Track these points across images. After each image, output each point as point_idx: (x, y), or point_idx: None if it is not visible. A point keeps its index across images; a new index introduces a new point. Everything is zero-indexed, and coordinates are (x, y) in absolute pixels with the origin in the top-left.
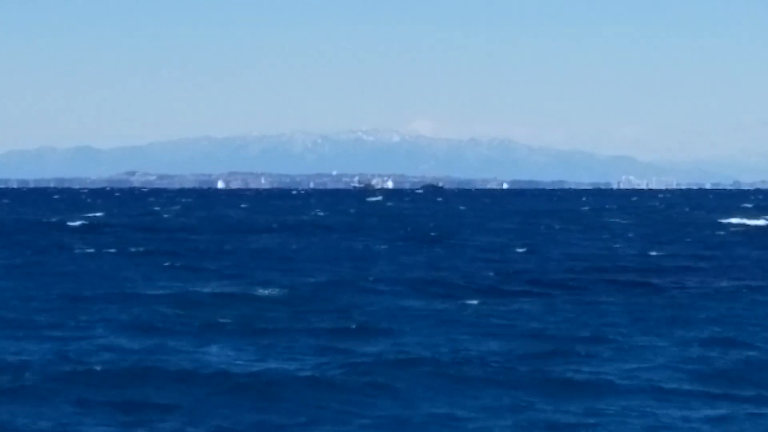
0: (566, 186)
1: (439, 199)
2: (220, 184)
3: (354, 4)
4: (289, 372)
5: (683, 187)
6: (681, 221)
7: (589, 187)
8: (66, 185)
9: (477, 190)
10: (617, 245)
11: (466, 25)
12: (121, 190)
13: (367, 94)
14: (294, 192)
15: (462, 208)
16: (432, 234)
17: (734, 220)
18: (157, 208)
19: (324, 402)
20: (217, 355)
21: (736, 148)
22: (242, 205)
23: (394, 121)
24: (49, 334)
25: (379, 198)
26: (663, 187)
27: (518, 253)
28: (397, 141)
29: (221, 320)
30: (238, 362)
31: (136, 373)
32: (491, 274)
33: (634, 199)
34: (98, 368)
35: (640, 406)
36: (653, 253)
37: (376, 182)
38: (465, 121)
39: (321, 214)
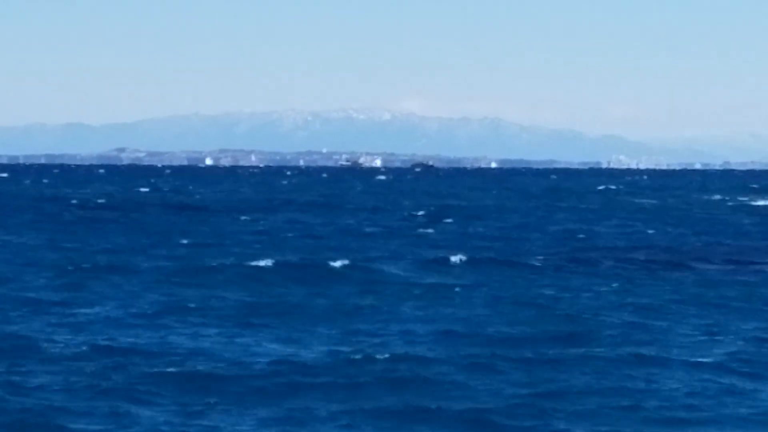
0: (557, 165)
1: (423, 180)
2: (209, 161)
3: None
4: (316, 357)
5: (674, 167)
6: (698, 201)
7: (580, 167)
8: (56, 161)
9: (473, 168)
10: (644, 226)
11: (458, 2)
12: (117, 166)
13: (358, 72)
14: (288, 172)
15: (465, 185)
16: (442, 212)
17: (756, 202)
18: (157, 185)
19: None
20: (222, 335)
21: (726, 129)
22: (245, 184)
23: (385, 99)
24: (61, 311)
25: (383, 177)
26: (653, 166)
27: (541, 232)
28: (388, 119)
29: (238, 299)
30: (254, 343)
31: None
32: (516, 250)
33: (636, 178)
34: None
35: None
36: (673, 233)
37: (363, 160)
38: (456, 100)
39: (329, 192)
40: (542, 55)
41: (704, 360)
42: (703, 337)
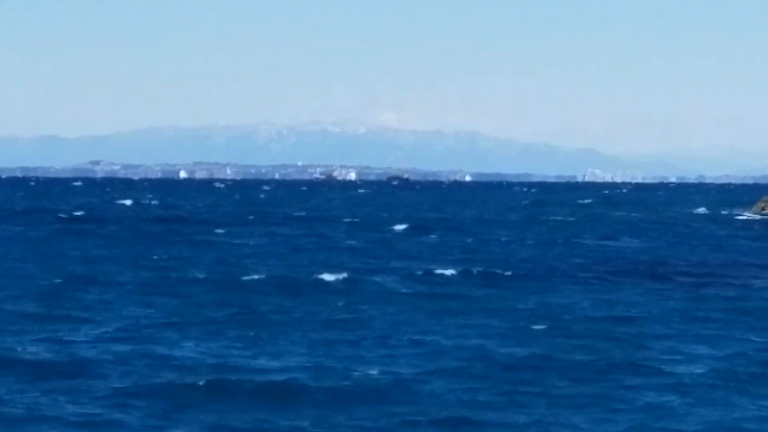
0: (532, 179)
1: (401, 193)
2: (183, 174)
3: None
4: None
5: (649, 180)
6: (677, 214)
7: (556, 180)
8: (31, 174)
9: (449, 182)
10: (624, 239)
11: (433, 16)
12: (93, 179)
13: (333, 85)
14: (266, 186)
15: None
16: (424, 225)
17: (736, 216)
18: (136, 197)
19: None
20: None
21: (701, 142)
22: (223, 197)
23: (360, 113)
24: (37, 322)
25: (362, 191)
26: (628, 180)
27: (521, 245)
28: (363, 132)
29: (217, 311)
30: (236, 356)
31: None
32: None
33: (617, 191)
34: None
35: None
36: (653, 246)
37: (338, 174)
38: (431, 113)
39: (308, 206)
40: (517, 69)
41: (682, 371)
42: (682, 349)
